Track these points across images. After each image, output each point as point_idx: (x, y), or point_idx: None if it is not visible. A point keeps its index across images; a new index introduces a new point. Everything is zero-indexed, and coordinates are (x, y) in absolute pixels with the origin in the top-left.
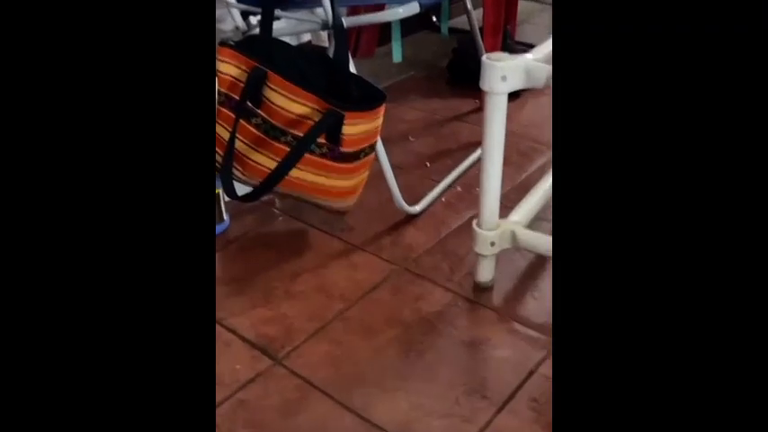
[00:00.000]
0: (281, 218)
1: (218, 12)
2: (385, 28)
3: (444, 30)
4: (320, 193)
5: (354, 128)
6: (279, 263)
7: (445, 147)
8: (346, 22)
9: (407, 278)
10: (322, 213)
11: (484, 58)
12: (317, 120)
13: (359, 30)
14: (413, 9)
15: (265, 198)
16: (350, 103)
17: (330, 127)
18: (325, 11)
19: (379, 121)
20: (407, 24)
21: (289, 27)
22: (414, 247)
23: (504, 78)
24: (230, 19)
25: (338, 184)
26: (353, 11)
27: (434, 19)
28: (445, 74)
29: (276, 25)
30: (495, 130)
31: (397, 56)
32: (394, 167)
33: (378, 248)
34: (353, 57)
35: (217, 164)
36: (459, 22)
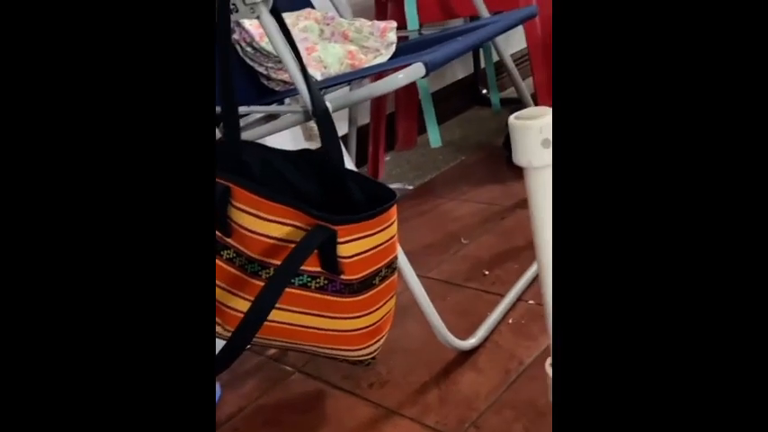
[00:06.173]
0: (293, 376)
1: None
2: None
3: (495, 101)
4: (327, 341)
5: (354, 246)
6: None
7: (508, 246)
8: (333, 104)
9: None
10: (344, 365)
11: (511, 119)
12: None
13: (396, 117)
14: (417, 72)
15: (273, 351)
16: (347, 212)
17: (321, 249)
18: (301, 95)
19: (392, 230)
20: (451, 102)
21: (268, 127)
22: (472, 400)
23: (546, 143)
24: None
25: (350, 326)
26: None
27: (485, 91)
28: (503, 153)
29: (257, 131)
30: (546, 226)
31: (434, 140)
32: (442, 284)
33: (422, 410)
34: (392, 149)
35: None
36: (514, 91)
